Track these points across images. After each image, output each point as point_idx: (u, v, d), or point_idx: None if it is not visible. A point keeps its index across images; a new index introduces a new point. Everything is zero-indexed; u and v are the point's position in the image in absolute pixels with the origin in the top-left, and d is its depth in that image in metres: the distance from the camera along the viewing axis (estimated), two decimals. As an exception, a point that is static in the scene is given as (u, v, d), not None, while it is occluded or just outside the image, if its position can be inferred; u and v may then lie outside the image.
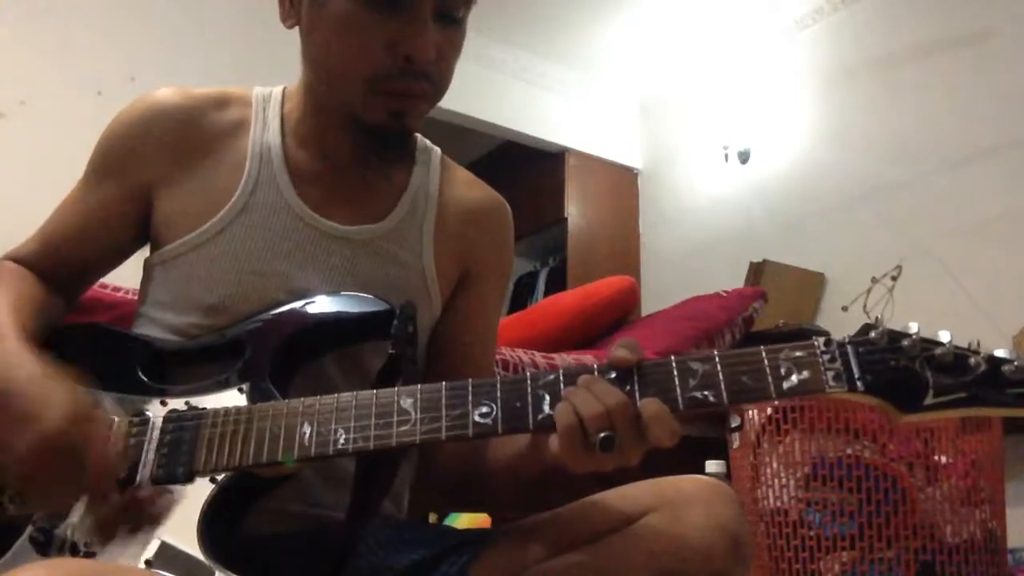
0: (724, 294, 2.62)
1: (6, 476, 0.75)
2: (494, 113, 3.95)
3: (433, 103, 0.91)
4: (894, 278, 1.67)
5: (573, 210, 4.15)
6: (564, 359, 2.08)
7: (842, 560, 1.66)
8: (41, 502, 0.74)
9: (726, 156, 3.85)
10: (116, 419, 0.76)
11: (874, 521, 1.64)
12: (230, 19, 3.00)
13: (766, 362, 0.68)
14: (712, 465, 1.94)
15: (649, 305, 3.48)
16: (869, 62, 3.38)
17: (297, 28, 0.92)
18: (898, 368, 0.66)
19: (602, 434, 0.66)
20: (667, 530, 0.74)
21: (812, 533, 1.69)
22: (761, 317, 2.65)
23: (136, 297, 0.99)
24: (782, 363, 0.68)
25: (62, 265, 0.96)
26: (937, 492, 1.66)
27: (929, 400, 0.65)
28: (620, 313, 2.66)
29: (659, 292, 3.79)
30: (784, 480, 1.75)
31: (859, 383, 0.67)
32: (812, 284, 3.34)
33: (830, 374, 0.67)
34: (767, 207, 3.67)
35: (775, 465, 1.77)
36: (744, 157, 3.78)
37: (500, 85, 3.99)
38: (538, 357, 2.02)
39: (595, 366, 0.71)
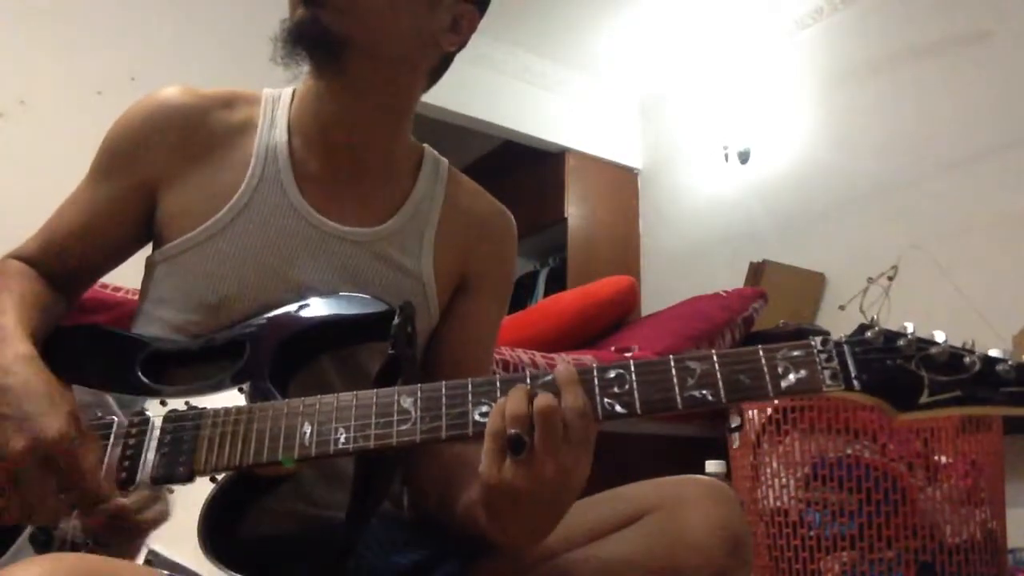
0: (724, 294, 2.62)
1: None
2: (494, 113, 3.94)
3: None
4: (890, 278, 1.68)
5: (573, 210, 4.15)
6: (564, 359, 2.08)
7: (842, 560, 1.66)
8: (21, 508, 0.69)
9: (726, 156, 3.85)
10: (116, 419, 0.76)
11: (874, 521, 1.64)
12: (230, 20, 2.99)
13: (764, 361, 0.69)
14: (712, 465, 1.94)
15: (649, 305, 3.49)
16: (869, 62, 3.37)
17: None
18: (894, 367, 0.68)
19: (512, 431, 0.65)
20: (667, 530, 0.74)
21: (812, 533, 1.69)
22: (761, 317, 2.65)
23: (136, 297, 0.99)
24: (779, 362, 0.69)
25: (65, 263, 0.96)
26: (937, 492, 1.66)
27: (924, 399, 0.67)
28: (620, 313, 2.66)
29: (659, 292, 3.79)
30: (784, 480, 1.76)
31: (855, 382, 0.68)
32: (812, 284, 3.34)
33: (827, 373, 0.68)
34: (767, 207, 3.67)
35: (775, 465, 1.77)
36: (744, 157, 3.78)
37: (500, 85, 3.99)
38: (538, 357, 2.02)
39: (594, 366, 0.71)
